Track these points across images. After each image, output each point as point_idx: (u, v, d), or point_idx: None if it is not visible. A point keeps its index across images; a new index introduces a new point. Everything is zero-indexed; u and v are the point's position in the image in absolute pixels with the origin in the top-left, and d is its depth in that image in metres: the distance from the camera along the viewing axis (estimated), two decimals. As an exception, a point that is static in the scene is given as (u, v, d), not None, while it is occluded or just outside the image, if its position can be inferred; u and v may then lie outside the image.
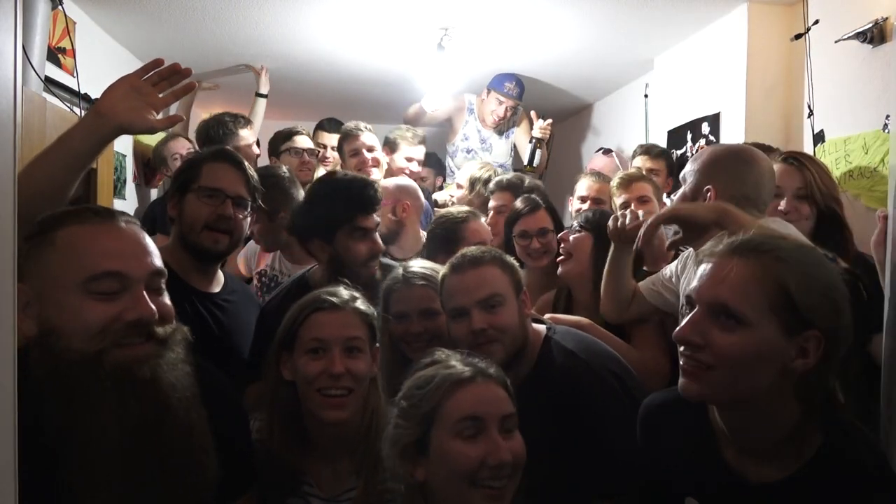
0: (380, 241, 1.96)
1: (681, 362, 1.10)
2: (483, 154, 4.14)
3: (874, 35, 2.46)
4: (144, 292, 1.07)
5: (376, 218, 1.96)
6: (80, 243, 1.06)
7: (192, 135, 3.66)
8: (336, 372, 1.38)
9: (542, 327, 1.72)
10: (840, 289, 1.06)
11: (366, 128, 3.24)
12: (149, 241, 1.13)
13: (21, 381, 0.78)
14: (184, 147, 3.59)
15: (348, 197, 1.92)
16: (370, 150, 3.22)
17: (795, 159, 2.09)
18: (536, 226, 2.39)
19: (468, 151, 4.18)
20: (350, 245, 1.90)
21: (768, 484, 1.07)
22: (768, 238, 1.10)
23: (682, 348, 1.09)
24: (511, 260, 1.71)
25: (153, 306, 1.07)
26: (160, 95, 1.43)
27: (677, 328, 1.10)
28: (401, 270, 1.88)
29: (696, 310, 1.08)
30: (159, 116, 1.44)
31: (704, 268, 1.11)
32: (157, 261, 1.13)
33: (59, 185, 1.33)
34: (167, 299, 1.14)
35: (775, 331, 1.02)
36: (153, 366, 1.06)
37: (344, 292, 1.49)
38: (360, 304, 1.49)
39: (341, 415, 1.39)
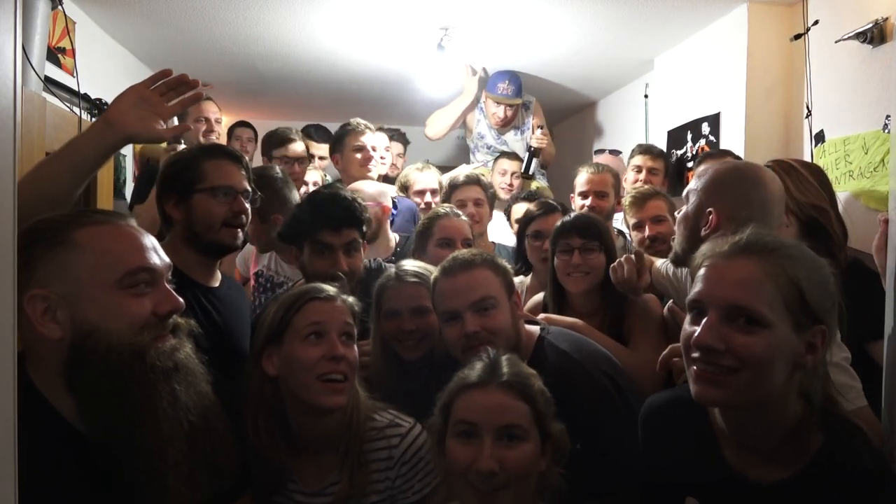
0: (343, 261, 1.92)
1: (693, 368, 1.07)
2: (502, 150, 4.15)
3: (874, 35, 2.46)
4: (167, 285, 1.12)
5: (351, 236, 1.94)
6: (108, 242, 1.08)
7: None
8: (338, 354, 1.39)
9: (535, 328, 1.72)
10: (833, 283, 1.07)
11: (370, 127, 3.27)
12: (154, 238, 1.17)
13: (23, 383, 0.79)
14: (212, 112, 3.47)
15: (319, 209, 1.93)
16: (373, 148, 3.24)
17: (774, 167, 2.07)
18: (551, 227, 2.39)
19: (488, 148, 4.20)
20: (311, 259, 1.93)
21: (769, 484, 1.07)
22: (770, 236, 1.10)
23: (695, 354, 1.06)
24: (503, 262, 1.71)
25: (179, 297, 1.12)
26: (168, 105, 1.46)
27: (694, 335, 1.06)
28: (393, 269, 1.89)
29: (709, 314, 1.05)
30: (166, 126, 1.47)
31: (709, 270, 1.09)
32: (166, 256, 1.17)
33: (64, 189, 1.35)
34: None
35: (790, 328, 1.02)
36: (184, 355, 1.11)
37: (330, 287, 1.52)
38: (347, 298, 1.52)
39: (340, 400, 1.39)
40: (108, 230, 1.10)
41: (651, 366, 1.82)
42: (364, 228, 2.01)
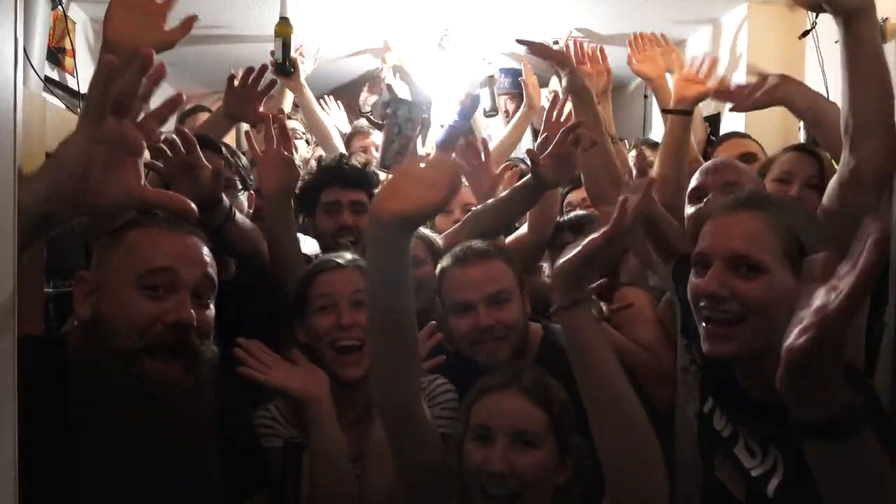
0: (350, 218, 1.91)
1: (703, 325, 1.13)
2: None
3: (874, 35, 2.45)
4: (189, 298, 1.09)
5: (358, 196, 1.94)
6: (143, 243, 1.10)
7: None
8: (345, 323, 1.42)
9: (536, 325, 1.70)
10: (827, 235, 1.16)
11: (375, 126, 3.28)
12: (206, 252, 1.16)
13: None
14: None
15: (326, 169, 1.97)
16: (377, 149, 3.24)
17: (808, 147, 2.08)
18: (579, 197, 2.45)
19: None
20: (320, 219, 1.93)
21: (767, 403, 1.09)
22: (767, 193, 1.17)
23: (703, 303, 1.12)
24: (515, 256, 1.70)
25: (193, 313, 1.08)
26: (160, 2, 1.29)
27: (698, 284, 1.13)
28: None
29: (713, 265, 1.11)
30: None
31: (713, 225, 1.16)
32: (211, 270, 1.14)
33: None
34: (210, 313, 1.15)
35: (789, 276, 1.06)
36: (175, 389, 1.08)
37: (347, 254, 1.55)
38: (362, 263, 1.51)
39: (356, 372, 1.42)
40: (154, 232, 1.11)
41: (653, 360, 1.79)
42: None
